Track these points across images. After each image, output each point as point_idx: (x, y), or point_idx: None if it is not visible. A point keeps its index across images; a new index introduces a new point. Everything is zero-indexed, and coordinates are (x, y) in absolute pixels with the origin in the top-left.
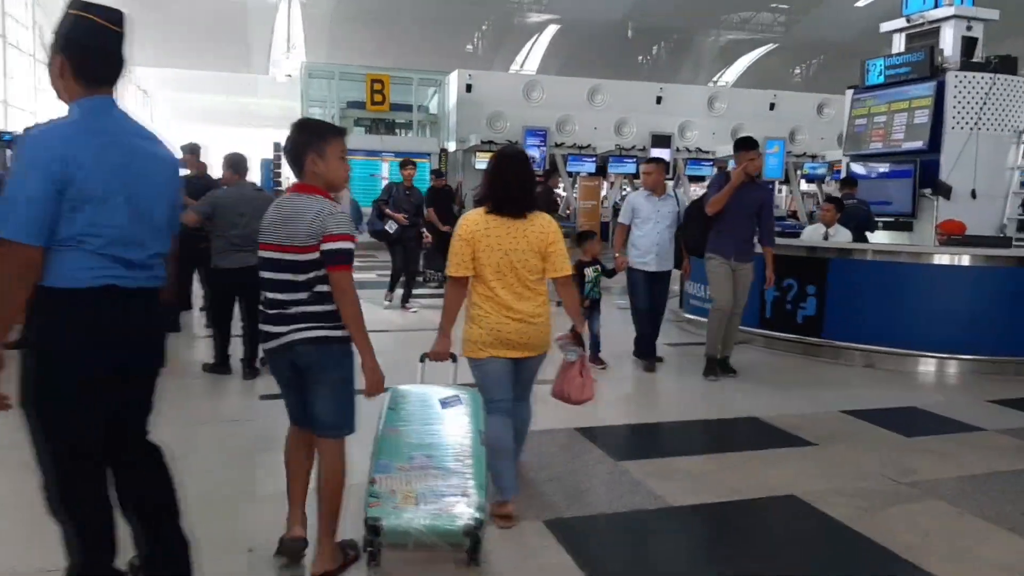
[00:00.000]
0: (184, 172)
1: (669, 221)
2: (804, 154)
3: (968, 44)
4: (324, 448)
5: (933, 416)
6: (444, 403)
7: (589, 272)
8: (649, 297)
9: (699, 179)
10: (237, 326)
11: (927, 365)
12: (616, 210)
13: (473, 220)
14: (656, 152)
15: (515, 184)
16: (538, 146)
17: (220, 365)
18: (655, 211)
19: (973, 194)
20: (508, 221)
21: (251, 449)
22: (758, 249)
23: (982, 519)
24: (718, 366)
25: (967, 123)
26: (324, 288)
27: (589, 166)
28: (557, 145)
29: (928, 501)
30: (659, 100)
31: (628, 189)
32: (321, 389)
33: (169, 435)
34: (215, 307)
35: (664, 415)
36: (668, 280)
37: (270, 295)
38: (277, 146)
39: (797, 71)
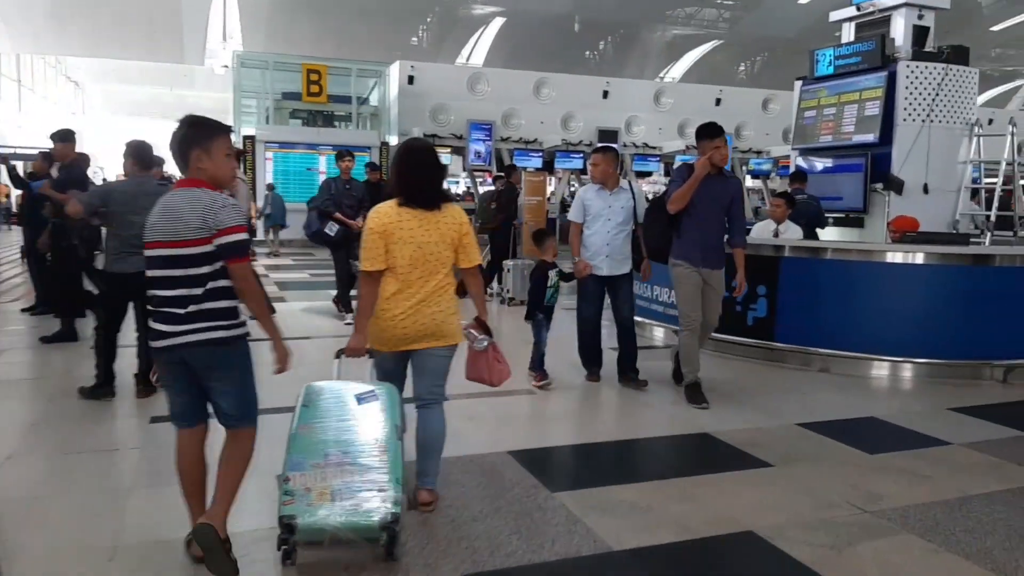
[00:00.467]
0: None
1: (622, 217)
2: (750, 150)
3: (919, 33)
4: (238, 436)
5: (894, 428)
6: (360, 399)
7: (552, 275)
8: (598, 305)
9: (646, 174)
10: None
11: (882, 369)
12: (565, 206)
13: (385, 212)
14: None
15: (426, 175)
16: (483, 140)
17: (103, 386)
18: (606, 207)
19: (925, 189)
20: (421, 213)
21: (130, 486)
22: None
23: (961, 556)
24: (674, 378)
25: (919, 115)
26: (219, 284)
27: (536, 161)
28: (503, 139)
29: (899, 535)
30: (605, 94)
31: (576, 185)
32: (226, 387)
33: (36, 470)
34: (106, 317)
35: (607, 433)
36: (628, 285)
37: (161, 293)
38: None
39: (742, 68)
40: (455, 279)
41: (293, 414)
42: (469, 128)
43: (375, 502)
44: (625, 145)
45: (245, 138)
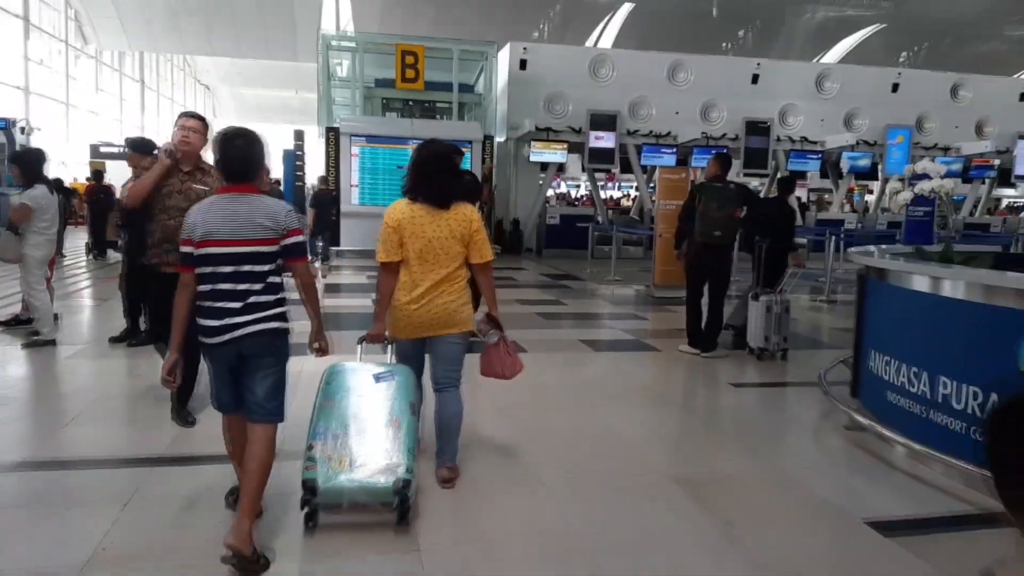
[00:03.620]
0: None
1: None
2: (935, 146)
3: None
4: (266, 434)
5: None
6: (378, 377)
7: None
8: None
9: (801, 175)
10: None
11: None
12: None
13: (400, 209)
14: (754, 140)
15: (436, 177)
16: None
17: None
18: None
19: None
20: (432, 210)
21: None
22: None
23: None
24: None
25: None
26: (275, 280)
27: (668, 158)
28: (629, 133)
29: None
30: (755, 79)
31: None
32: (266, 377)
33: None
34: None
35: None
36: None
37: (223, 287)
38: (298, 135)
39: (903, 57)
40: (466, 272)
41: (317, 390)
42: (590, 119)
43: (389, 468)
44: (779, 139)
45: (328, 130)
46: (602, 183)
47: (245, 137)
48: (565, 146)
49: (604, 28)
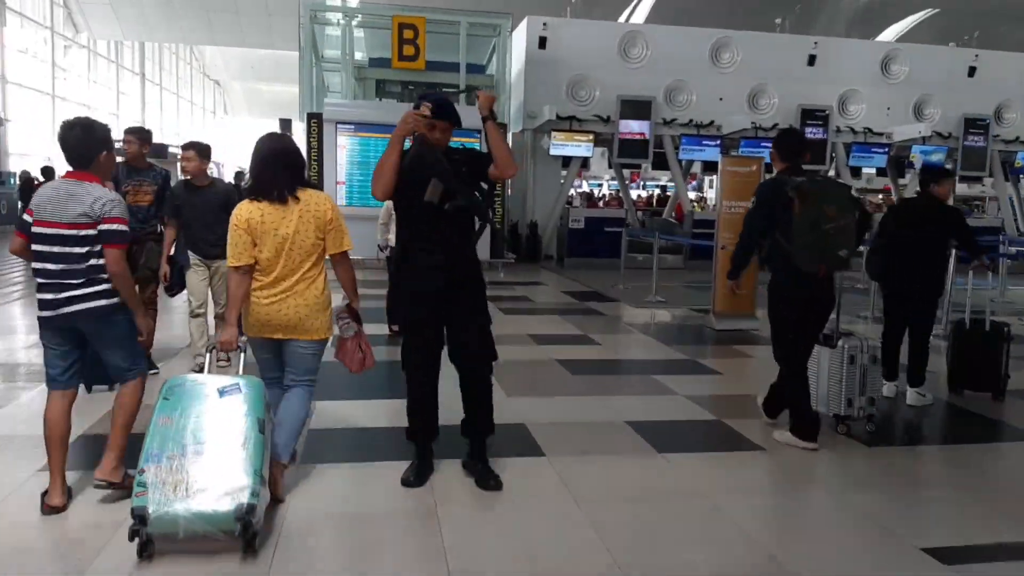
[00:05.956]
0: None
1: None
2: (1016, 139)
3: None
4: (129, 388)
5: None
6: (222, 392)
7: None
8: None
9: (855, 172)
10: None
11: None
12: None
13: (247, 209)
14: (811, 131)
15: (272, 171)
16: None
17: None
18: None
19: None
20: (279, 206)
21: None
22: None
23: None
24: None
25: None
26: (98, 261)
27: (710, 152)
28: (666, 122)
29: None
30: (812, 60)
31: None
32: (113, 346)
33: None
34: None
35: None
36: None
37: (51, 266)
38: (285, 124)
39: (952, 45)
40: (325, 269)
41: (154, 407)
42: (619, 106)
43: (231, 493)
44: (839, 130)
45: (309, 117)
46: (630, 183)
47: (82, 126)
48: (591, 137)
49: (634, 10)
